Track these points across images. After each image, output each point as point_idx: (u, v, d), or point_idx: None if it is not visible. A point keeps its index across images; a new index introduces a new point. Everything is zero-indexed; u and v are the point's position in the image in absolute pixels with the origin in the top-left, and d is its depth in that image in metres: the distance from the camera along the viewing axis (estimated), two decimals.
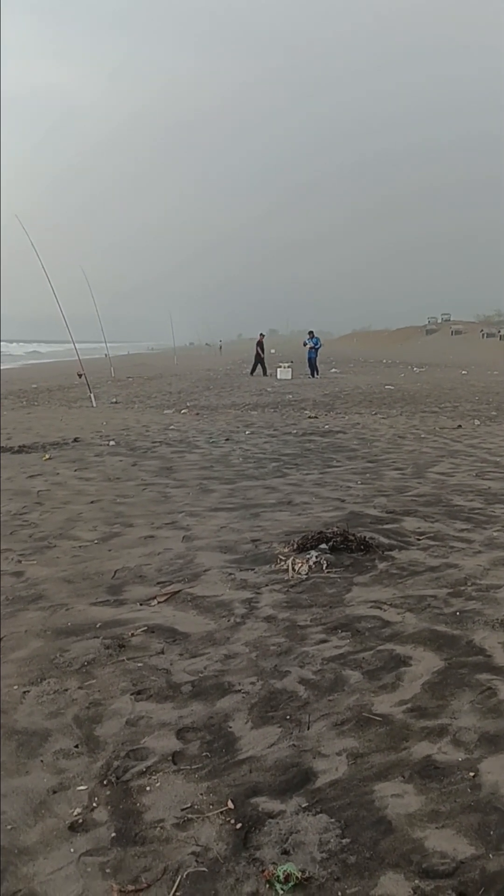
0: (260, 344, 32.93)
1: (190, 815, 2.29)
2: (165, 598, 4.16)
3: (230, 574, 4.58)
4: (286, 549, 5.00)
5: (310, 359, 30.67)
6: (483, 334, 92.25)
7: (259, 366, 32.04)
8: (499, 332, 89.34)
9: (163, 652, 3.45)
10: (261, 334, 34.26)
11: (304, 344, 31.24)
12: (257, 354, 32.37)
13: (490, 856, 2.09)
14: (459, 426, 12.91)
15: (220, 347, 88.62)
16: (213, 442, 10.85)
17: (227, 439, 11.21)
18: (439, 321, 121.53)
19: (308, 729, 2.77)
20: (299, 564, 4.63)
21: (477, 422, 13.66)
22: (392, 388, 23.37)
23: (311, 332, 31.82)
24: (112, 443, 10.70)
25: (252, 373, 31.93)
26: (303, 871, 2.03)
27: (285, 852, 2.13)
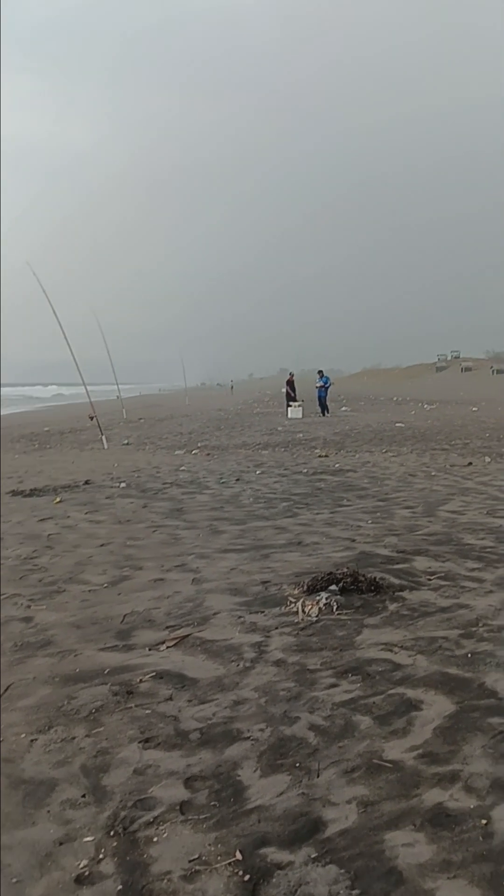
0: (290, 383, 32.49)
1: (198, 867, 2.26)
2: (174, 642, 4.15)
3: (240, 617, 4.56)
4: (296, 591, 4.98)
5: (320, 397, 30.79)
6: (493, 371, 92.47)
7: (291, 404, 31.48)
8: None
9: (171, 698, 3.43)
10: (291, 374, 34.16)
11: (316, 385, 31.30)
12: (287, 394, 31.89)
13: None
14: (470, 463, 12.87)
15: (232, 387, 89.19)
16: (223, 482, 10.87)
17: (237, 479, 11.23)
18: (449, 358, 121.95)
19: (317, 777, 2.73)
20: (309, 606, 4.60)
21: (488, 459, 13.62)
22: (402, 425, 23.37)
23: (320, 372, 31.95)
24: (123, 485, 10.74)
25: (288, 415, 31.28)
26: None
27: None
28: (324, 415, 30.09)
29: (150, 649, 4.07)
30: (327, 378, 31.83)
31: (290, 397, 31.57)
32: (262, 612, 4.66)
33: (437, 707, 3.25)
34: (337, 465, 12.90)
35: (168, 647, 4.08)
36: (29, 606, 4.90)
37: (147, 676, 3.67)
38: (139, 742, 3.03)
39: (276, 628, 4.35)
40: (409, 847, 2.31)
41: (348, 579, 4.94)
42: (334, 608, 4.59)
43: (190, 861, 2.29)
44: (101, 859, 2.31)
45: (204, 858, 2.30)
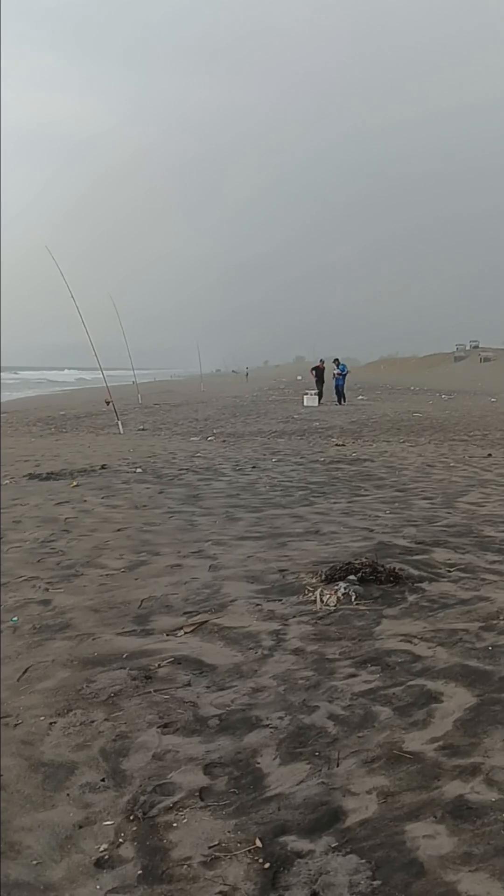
0: (318, 370, 32.01)
1: (217, 854, 2.26)
2: (192, 628, 4.14)
3: (257, 605, 4.55)
4: (314, 580, 4.96)
5: (337, 385, 30.65)
6: None
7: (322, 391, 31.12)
8: None
9: (189, 684, 3.42)
10: (321, 360, 33.23)
11: (332, 374, 31.10)
12: (316, 381, 31.55)
13: None
14: (490, 455, 12.79)
15: (247, 374, 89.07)
16: (239, 469, 10.85)
17: (253, 467, 11.21)
18: (468, 348, 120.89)
19: (337, 766, 2.72)
20: (328, 596, 4.59)
21: None
22: (420, 415, 23.26)
23: (336, 360, 31.78)
24: (139, 470, 10.75)
25: (318, 402, 30.51)
26: None
27: (314, 894, 2.08)
28: (340, 403, 29.99)
29: (167, 635, 4.07)
30: (344, 366, 31.67)
31: (319, 381, 31.22)
32: (280, 600, 4.64)
33: (457, 699, 3.23)
34: (354, 455, 12.85)
35: (186, 633, 4.08)
36: (47, 589, 4.91)
37: (165, 662, 3.67)
38: (158, 727, 3.03)
39: (294, 617, 4.33)
40: (430, 839, 2.29)
41: (367, 569, 4.91)
42: (353, 598, 4.56)
43: (210, 847, 2.28)
44: (121, 843, 2.32)
45: (224, 845, 2.29)
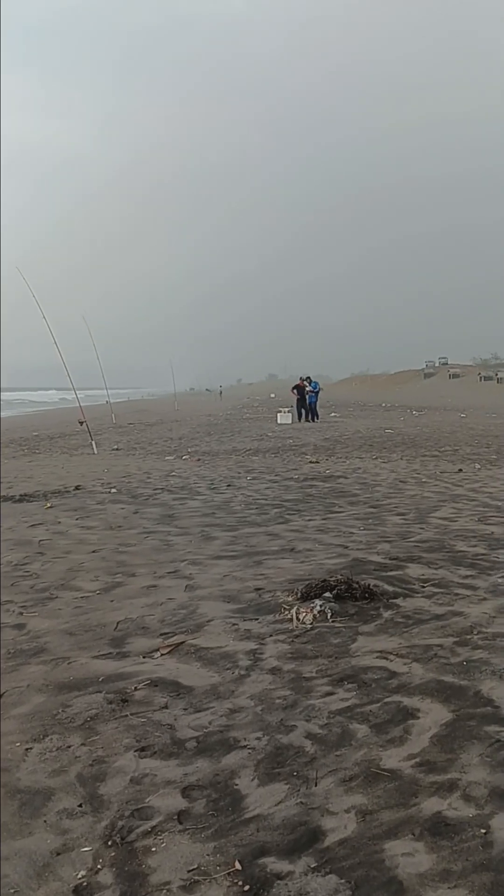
0: (299, 388, 31.27)
1: (197, 877, 2.24)
2: (168, 650, 4.13)
3: (234, 624, 4.55)
4: (290, 598, 4.97)
5: (310, 403, 30.78)
6: (480, 377, 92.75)
7: (302, 411, 30.73)
8: (496, 375, 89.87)
9: (167, 706, 3.41)
10: (300, 378, 32.19)
11: (305, 390, 31.09)
12: (298, 400, 30.98)
13: None
14: (460, 470, 12.92)
15: (221, 393, 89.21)
16: (214, 488, 10.85)
17: (228, 485, 11.22)
18: (437, 364, 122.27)
19: (315, 785, 2.73)
20: (303, 614, 4.60)
21: (478, 465, 13.68)
22: (392, 431, 23.44)
23: (308, 378, 31.84)
24: (113, 490, 10.70)
25: (301, 420, 30.24)
26: None
27: None
28: (313, 420, 30.12)
29: (144, 657, 4.05)
30: (316, 384, 31.84)
31: (301, 399, 30.81)
32: (257, 619, 4.65)
33: (433, 715, 3.25)
34: (327, 472, 12.92)
35: (162, 655, 4.06)
36: (21, 613, 4.87)
37: (142, 684, 3.65)
38: (135, 751, 3.01)
39: (271, 636, 4.34)
40: (408, 856, 2.30)
41: (342, 586, 4.94)
42: (329, 615, 4.58)
43: (189, 871, 2.27)
44: (100, 870, 2.29)
45: (203, 868, 2.28)
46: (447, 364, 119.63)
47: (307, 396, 30.74)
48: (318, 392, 31.64)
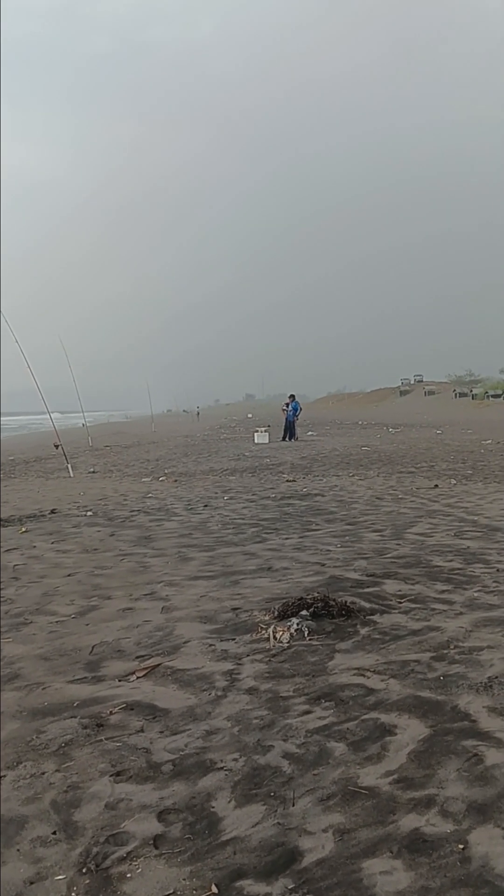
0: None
1: None
2: (144, 672, 4.09)
3: (210, 645, 4.51)
4: (267, 617, 4.95)
5: (288, 421, 30.94)
6: (455, 394, 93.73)
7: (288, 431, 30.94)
8: (471, 391, 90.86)
9: (142, 730, 3.36)
10: (290, 396, 32.63)
11: (281, 409, 31.32)
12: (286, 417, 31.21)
13: None
14: (436, 486, 13.00)
15: (198, 413, 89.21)
16: (191, 509, 10.81)
17: (205, 506, 11.18)
18: (412, 382, 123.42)
19: (293, 805, 2.70)
20: (280, 633, 4.58)
21: (453, 481, 13.76)
22: (368, 449, 23.54)
23: (292, 396, 32.03)
24: (89, 513, 10.63)
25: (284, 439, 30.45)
26: None
27: None
28: (290, 439, 30.20)
29: (119, 680, 4.01)
30: (297, 404, 32.02)
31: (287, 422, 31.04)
32: (233, 639, 4.62)
33: (410, 731, 3.24)
34: (305, 490, 12.93)
35: (138, 678, 4.02)
36: None
37: (117, 708, 3.60)
38: (110, 776, 2.97)
39: (248, 655, 4.31)
40: (386, 875, 2.28)
41: (319, 604, 4.93)
42: (306, 633, 4.57)
43: None
44: None
45: (179, 893, 2.24)
46: (422, 381, 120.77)
47: (285, 414, 31.01)
48: (297, 412, 31.81)
